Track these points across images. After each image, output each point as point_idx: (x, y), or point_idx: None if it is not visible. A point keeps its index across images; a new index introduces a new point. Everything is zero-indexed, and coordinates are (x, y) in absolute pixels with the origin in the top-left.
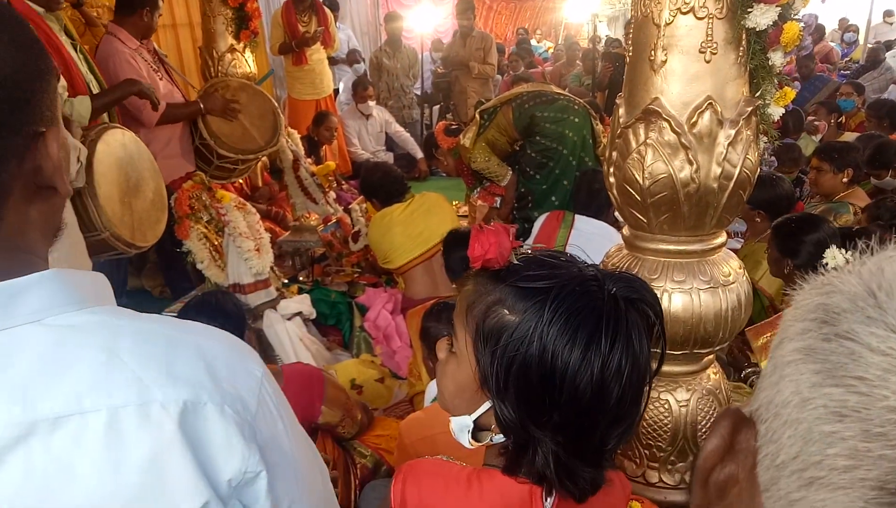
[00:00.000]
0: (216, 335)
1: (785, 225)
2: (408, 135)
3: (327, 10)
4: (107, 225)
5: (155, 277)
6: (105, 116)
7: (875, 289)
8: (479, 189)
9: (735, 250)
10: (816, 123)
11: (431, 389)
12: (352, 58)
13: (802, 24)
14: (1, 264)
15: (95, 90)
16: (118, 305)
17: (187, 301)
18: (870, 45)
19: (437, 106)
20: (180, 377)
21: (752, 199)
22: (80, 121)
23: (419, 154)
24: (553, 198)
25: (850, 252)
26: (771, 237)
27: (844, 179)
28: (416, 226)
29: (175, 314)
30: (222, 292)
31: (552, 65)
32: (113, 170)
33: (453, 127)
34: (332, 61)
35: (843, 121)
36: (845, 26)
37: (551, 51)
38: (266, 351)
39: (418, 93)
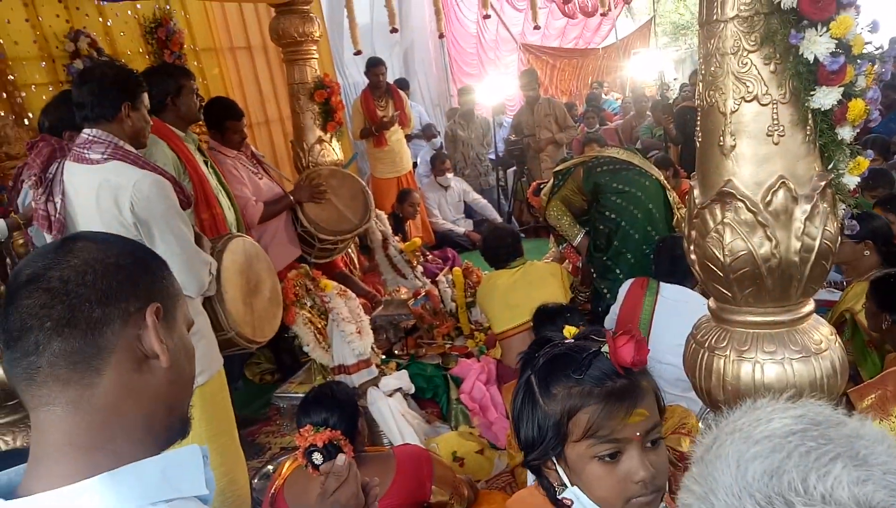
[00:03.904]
0: None
1: (883, 281)
2: (485, 202)
3: (401, 93)
4: (232, 325)
5: (254, 367)
6: (235, 223)
7: None
8: (565, 244)
9: (833, 302)
10: None
11: None
12: (428, 133)
13: (881, 50)
14: (78, 454)
15: (225, 201)
16: (233, 390)
17: (305, 395)
18: None
19: (512, 169)
20: None
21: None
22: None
23: (498, 219)
24: (617, 271)
25: None
26: (868, 292)
27: None
28: (516, 297)
29: (287, 396)
30: (336, 383)
31: (622, 118)
32: (236, 275)
33: (542, 186)
34: (408, 138)
35: None
36: None
37: (620, 102)
38: (371, 427)
39: (492, 158)
